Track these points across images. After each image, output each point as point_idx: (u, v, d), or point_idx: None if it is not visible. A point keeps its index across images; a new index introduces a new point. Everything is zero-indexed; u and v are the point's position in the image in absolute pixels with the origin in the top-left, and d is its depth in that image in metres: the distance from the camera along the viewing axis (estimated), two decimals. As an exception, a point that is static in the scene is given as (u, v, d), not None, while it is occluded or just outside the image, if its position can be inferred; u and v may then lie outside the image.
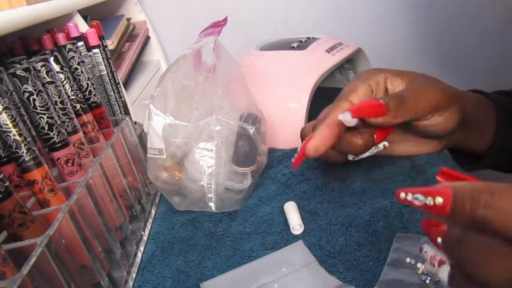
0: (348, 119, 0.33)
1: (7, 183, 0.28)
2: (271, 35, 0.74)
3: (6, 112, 0.29)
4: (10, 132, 0.29)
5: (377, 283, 0.32)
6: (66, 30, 0.50)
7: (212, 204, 0.45)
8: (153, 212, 0.49)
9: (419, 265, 0.28)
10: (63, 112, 0.37)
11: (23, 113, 0.33)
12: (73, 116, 0.38)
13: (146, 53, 1.11)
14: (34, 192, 0.31)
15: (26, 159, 0.30)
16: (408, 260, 0.33)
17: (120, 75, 0.84)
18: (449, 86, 0.36)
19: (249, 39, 0.85)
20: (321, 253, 0.37)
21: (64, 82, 0.40)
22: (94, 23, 0.54)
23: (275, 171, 0.52)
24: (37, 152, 0.31)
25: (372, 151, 0.38)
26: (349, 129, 0.35)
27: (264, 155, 0.48)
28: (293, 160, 0.36)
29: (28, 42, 0.51)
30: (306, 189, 0.47)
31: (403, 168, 0.47)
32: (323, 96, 0.69)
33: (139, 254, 0.42)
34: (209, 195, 0.44)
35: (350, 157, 0.38)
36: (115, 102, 0.56)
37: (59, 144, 0.35)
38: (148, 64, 1.10)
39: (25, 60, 0.38)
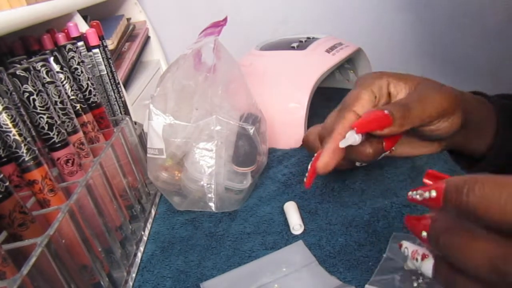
0: (353, 141, 0.33)
1: (7, 183, 0.28)
2: (271, 35, 0.74)
3: (6, 112, 0.29)
4: (10, 132, 0.29)
5: (369, 281, 0.32)
6: (66, 30, 0.50)
7: (212, 204, 0.45)
8: (153, 212, 0.49)
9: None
10: (63, 112, 0.37)
11: (23, 113, 0.33)
12: (73, 116, 0.38)
13: (146, 53, 1.11)
14: (34, 192, 0.31)
15: (26, 159, 0.30)
16: (402, 259, 0.33)
17: (120, 75, 0.84)
18: (451, 89, 0.36)
19: (249, 39, 0.85)
20: (321, 253, 0.37)
21: (64, 82, 0.40)
22: (94, 23, 0.54)
23: (275, 171, 0.52)
24: (37, 152, 0.31)
25: (380, 156, 0.37)
26: None
27: (264, 155, 0.48)
28: (305, 180, 0.35)
29: (28, 42, 0.51)
30: (306, 189, 0.47)
31: (403, 168, 0.47)
32: (323, 96, 0.69)
33: (139, 254, 0.42)
34: (209, 195, 0.44)
35: (358, 164, 0.38)
36: (115, 102, 0.56)
37: (59, 144, 0.35)
38: (148, 64, 1.10)
39: (25, 60, 0.38)
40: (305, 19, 1.09)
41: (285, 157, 0.55)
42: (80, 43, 0.51)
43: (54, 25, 0.56)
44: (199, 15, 1.12)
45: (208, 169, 0.44)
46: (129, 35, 1.01)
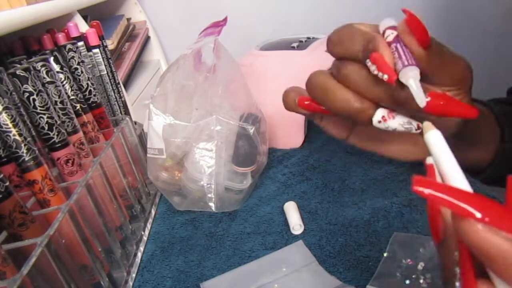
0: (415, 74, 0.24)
1: (7, 183, 0.28)
2: (271, 35, 0.74)
3: (6, 112, 0.29)
4: (10, 132, 0.29)
5: (370, 281, 0.32)
6: (66, 30, 0.50)
7: (212, 204, 0.45)
8: (153, 212, 0.49)
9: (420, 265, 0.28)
10: (63, 112, 0.37)
11: (23, 113, 0.33)
12: (73, 116, 0.38)
13: (146, 53, 1.11)
14: (34, 192, 0.31)
15: (26, 159, 0.30)
16: (403, 259, 0.33)
17: (120, 75, 0.84)
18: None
19: (249, 39, 0.85)
20: (321, 253, 0.37)
21: (64, 82, 0.40)
22: (94, 23, 0.54)
23: (275, 171, 0.52)
24: (37, 152, 0.31)
25: (405, 124, 0.28)
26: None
27: (264, 155, 0.48)
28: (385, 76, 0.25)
29: (28, 42, 0.51)
30: (306, 189, 0.47)
31: (403, 168, 0.47)
32: (323, 96, 0.69)
33: (139, 254, 0.42)
34: (209, 195, 0.44)
35: (377, 119, 0.27)
36: (115, 102, 0.56)
37: (59, 144, 0.35)
38: (148, 64, 1.10)
39: (25, 60, 0.38)
40: (305, 19, 1.09)
41: (285, 157, 0.55)
42: (80, 43, 0.51)
43: (54, 25, 0.56)
44: (199, 15, 1.12)
45: (208, 169, 0.44)
46: (129, 35, 1.01)
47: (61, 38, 0.48)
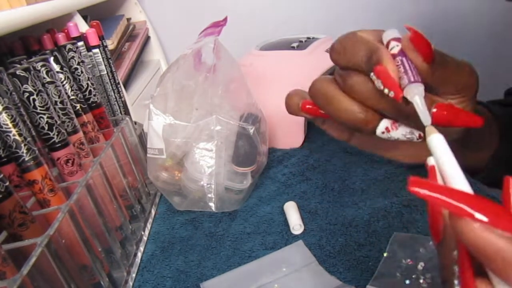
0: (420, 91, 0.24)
1: (7, 183, 0.28)
2: (271, 35, 0.74)
3: (6, 112, 0.29)
4: (10, 132, 0.29)
5: (370, 281, 0.32)
6: (66, 30, 0.50)
7: (212, 204, 0.45)
8: (153, 212, 0.49)
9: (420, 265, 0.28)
10: (63, 112, 0.37)
11: (23, 113, 0.33)
12: (73, 116, 0.38)
13: (146, 53, 1.11)
14: (34, 192, 0.31)
15: (26, 159, 0.30)
16: (403, 259, 0.33)
17: (120, 75, 0.84)
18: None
19: (249, 39, 0.85)
20: (321, 253, 0.37)
21: (64, 82, 0.40)
22: (94, 23, 0.54)
23: (275, 171, 0.52)
24: (37, 152, 0.31)
25: (407, 134, 0.29)
26: None
27: (264, 155, 0.48)
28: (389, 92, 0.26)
29: (28, 42, 0.51)
30: (306, 189, 0.47)
31: (403, 168, 0.47)
32: (323, 96, 0.69)
33: (139, 254, 0.42)
34: (209, 195, 0.44)
35: (380, 130, 0.27)
36: (115, 102, 0.56)
37: (59, 144, 0.35)
38: (148, 64, 1.10)
39: (25, 60, 0.38)
40: (305, 19, 1.09)
41: (285, 157, 0.55)
42: (80, 43, 0.51)
43: (54, 25, 0.56)
44: (199, 15, 1.12)
45: (208, 169, 0.44)
46: (129, 35, 1.01)
47: (61, 38, 0.48)
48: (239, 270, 0.37)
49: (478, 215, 0.15)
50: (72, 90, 0.40)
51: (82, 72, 0.42)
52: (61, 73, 0.39)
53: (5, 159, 0.30)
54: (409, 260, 0.32)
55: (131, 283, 0.38)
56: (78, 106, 0.41)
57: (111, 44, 0.85)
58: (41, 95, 0.33)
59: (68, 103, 0.38)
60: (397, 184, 0.45)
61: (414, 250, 0.33)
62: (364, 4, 1.04)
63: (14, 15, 0.50)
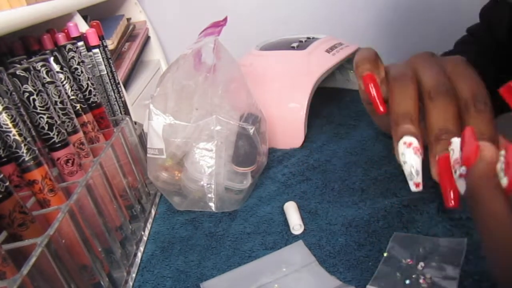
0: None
1: (7, 183, 0.28)
2: (271, 35, 0.74)
3: (6, 112, 0.29)
4: (10, 132, 0.29)
5: (370, 281, 0.32)
6: (66, 30, 0.50)
7: (212, 204, 0.45)
8: (153, 212, 0.49)
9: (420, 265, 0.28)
10: (63, 112, 0.37)
11: (23, 113, 0.33)
12: (73, 116, 0.38)
13: (146, 53, 1.12)
14: (34, 192, 0.31)
15: (26, 159, 0.30)
16: (403, 259, 0.33)
17: (120, 75, 0.84)
18: None
19: (249, 39, 0.85)
20: (321, 253, 0.37)
21: (64, 82, 0.40)
22: (94, 23, 0.54)
23: (275, 171, 0.52)
24: (37, 152, 0.31)
25: (413, 172, 0.29)
26: None
27: (264, 155, 0.48)
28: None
29: (28, 42, 0.51)
30: (306, 189, 0.47)
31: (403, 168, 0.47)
32: (323, 96, 0.69)
33: (139, 254, 0.42)
34: (209, 195, 0.44)
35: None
36: (115, 102, 0.56)
37: (59, 144, 0.35)
38: (148, 64, 1.10)
39: (25, 60, 0.38)
40: (305, 19, 1.09)
41: (285, 157, 0.55)
42: (80, 43, 0.51)
43: (54, 25, 0.56)
44: (199, 15, 1.12)
45: (208, 169, 0.44)
46: (129, 35, 1.01)
47: (61, 38, 0.48)
48: (239, 270, 0.37)
49: None
50: (72, 90, 0.40)
51: (82, 72, 0.42)
52: (61, 73, 0.39)
53: (5, 159, 0.30)
54: (409, 260, 0.32)
55: (131, 283, 0.38)
56: (78, 106, 0.41)
57: (111, 44, 0.86)
58: (41, 95, 0.33)
59: (68, 103, 0.38)
60: (397, 184, 0.44)
61: (414, 250, 0.33)
62: (364, 4, 1.04)
63: (14, 15, 0.50)
